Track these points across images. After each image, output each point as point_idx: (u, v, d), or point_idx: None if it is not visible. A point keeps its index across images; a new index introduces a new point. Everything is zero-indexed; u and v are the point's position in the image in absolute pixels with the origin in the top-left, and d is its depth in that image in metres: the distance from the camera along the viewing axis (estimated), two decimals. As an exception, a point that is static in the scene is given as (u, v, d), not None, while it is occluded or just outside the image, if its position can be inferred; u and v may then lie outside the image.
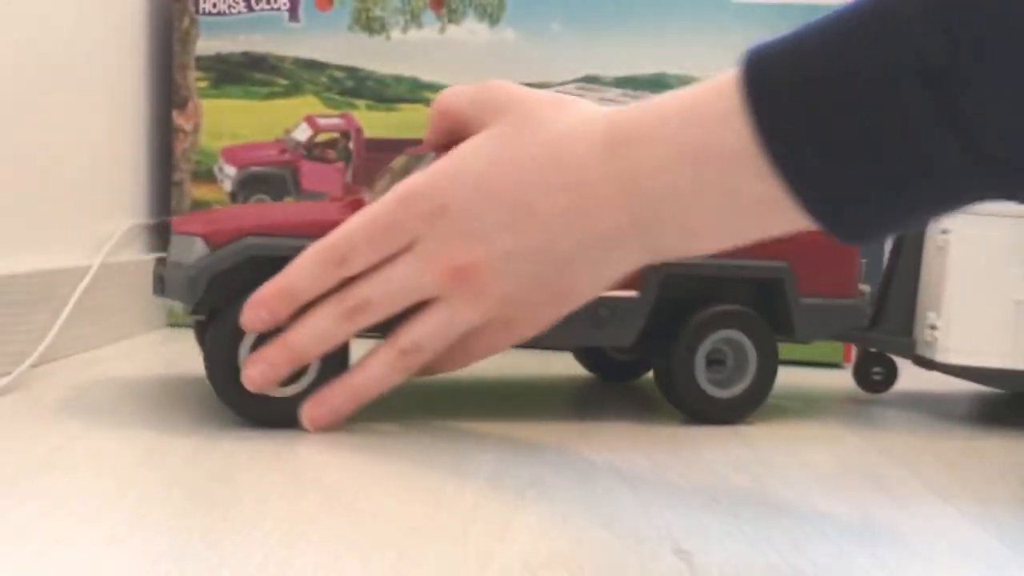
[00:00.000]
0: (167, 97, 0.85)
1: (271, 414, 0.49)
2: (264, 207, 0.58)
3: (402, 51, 0.81)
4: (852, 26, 0.33)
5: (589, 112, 0.43)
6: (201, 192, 0.84)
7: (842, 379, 0.71)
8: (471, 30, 0.80)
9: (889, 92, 0.32)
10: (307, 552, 0.32)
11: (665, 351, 0.54)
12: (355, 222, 0.45)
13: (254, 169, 0.84)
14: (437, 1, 0.80)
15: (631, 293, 0.54)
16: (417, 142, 0.82)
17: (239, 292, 0.46)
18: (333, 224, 0.47)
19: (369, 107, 0.82)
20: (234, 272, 0.47)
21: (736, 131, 0.36)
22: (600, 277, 0.45)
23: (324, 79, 0.82)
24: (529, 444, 0.49)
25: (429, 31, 0.81)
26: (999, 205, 0.56)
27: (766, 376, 0.55)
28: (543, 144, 0.42)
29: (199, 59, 0.83)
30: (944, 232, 0.59)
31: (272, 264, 0.46)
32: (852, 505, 0.41)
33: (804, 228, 0.38)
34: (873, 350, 0.63)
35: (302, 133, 0.83)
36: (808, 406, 0.63)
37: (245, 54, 0.83)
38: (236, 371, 0.47)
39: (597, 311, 0.53)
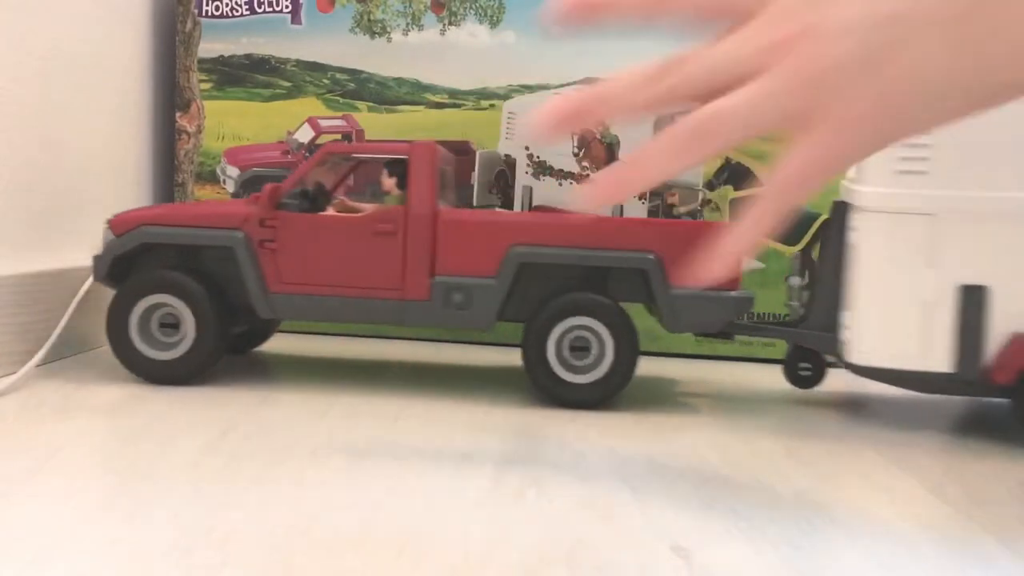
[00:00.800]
0: (170, 99, 0.85)
1: (154, 374, 0.59)
2: (177, 205, 0.62)
3: (403, 53, 0.81)
4: None
5: None
6: (204, 193, 0.85)
7: (847, 378, 0.71)
8: (471, 32, 0.80)
9: None
10: (308, 551, 0.33)
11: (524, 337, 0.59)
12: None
13: (257, 170, 0.84)
14: (438, 4, 0.81)
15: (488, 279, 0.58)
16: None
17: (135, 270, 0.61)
18: (224, 215, 0.59)
19: (370, 109, 0.82)
20: (130, 254, 0.60)
21: None
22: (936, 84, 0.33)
23: (326, 81, 0.83)
24: (529, 444, 0.49)
25: (430, 33, 0.81)
26: (908, 201, 0.54)
27: (624, 364, 0.58)
28: None
29: (202, 61, 0.84)
30: (854, 230, 0.56)
31: (162, 249, 0.61)
32: (851, 504, 0.41)
33: None
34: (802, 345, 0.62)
35: (304, 135, 0.83)
36: (805, 405, 0.63)
37: (248, 56, 0.83)
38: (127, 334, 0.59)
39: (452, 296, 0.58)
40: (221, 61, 0.84)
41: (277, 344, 0.78)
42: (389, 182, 0.60)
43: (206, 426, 0.49)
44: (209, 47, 0.84)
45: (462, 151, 0.81)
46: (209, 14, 0.83)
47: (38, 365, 0.61)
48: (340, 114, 0.83)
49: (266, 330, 0.73)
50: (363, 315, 0.59)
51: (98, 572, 0.30)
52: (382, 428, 0.51)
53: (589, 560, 0.33)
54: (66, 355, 0.67)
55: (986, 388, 0.54)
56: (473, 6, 0.80)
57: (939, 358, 0.54)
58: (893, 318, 0.55)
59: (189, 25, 0.84)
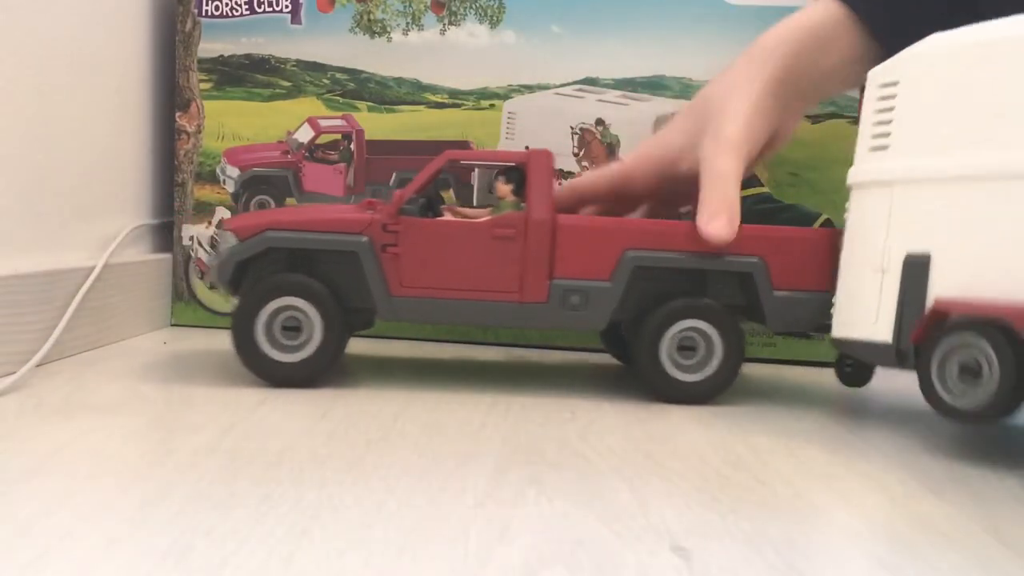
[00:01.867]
0: (170, 99, 0.85)
1: (279, 376, 0.60)
2: (290, 209, 0.65)
3: (403, 53, 0.81)
4: None
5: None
6: (204, 193, 0.84)
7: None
8: (471, 32, 0.80)
9: None
10: (309, 551, 0.33)
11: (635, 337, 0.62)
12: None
13: (257, 170, 0.84)
14: (438, 4, 0.81)
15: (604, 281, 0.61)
16: (418, 143, 0.83)
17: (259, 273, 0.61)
18: (348, 220, 0.60)
19: (370, 109, 0.82)
20: (256, 258, 0.61)
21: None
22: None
23: (326, 81, 0.83)
24: (529, 444, 0.49)
25: (430, 33, 0.81)
26: (874, 175, 0.54)
27: (731, 364, 0.61)
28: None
29: (201, 61, 0.84)
30: (845, 212, 0.58)
31: (286, 253, 0.61)
32: (851, 503, 0.41)
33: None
34: None
35: (304, 135, 0.83)
36: (806, 405, 0.63)
37: (247, 56, 0.83)
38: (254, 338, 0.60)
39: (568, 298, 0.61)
40: (221, 61, 0.84)
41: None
42: (505, 188, 0.62)
43: (206, 426, 0.49)
44: (209, 47, 0.84)
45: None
46: (209, 14, 0.83)
47: (38, 365, 0.61)
48: (340, 114, 0.83)
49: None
50: (483, 317, 0.61)
51: (98, 572, 0.30)
52: (382, 428, 0.51)
53: (589, 560, 0.33)
54: (66, 355, 0.67)
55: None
56: (473, 6, 0.80)
57: (884, 328, 0.53)
58: (857, 289, 0.55)
59: (189, 25, 0.84)
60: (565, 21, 0.79)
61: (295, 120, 0.83)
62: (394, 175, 0.82)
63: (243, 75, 0.84)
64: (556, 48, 0.79)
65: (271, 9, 0.83)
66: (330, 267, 0.61)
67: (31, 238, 0.65)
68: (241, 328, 0.60)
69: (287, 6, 0.82)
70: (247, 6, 0.83)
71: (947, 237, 0.50)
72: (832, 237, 0.61)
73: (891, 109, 0.54)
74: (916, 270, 0.51)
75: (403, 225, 0.60)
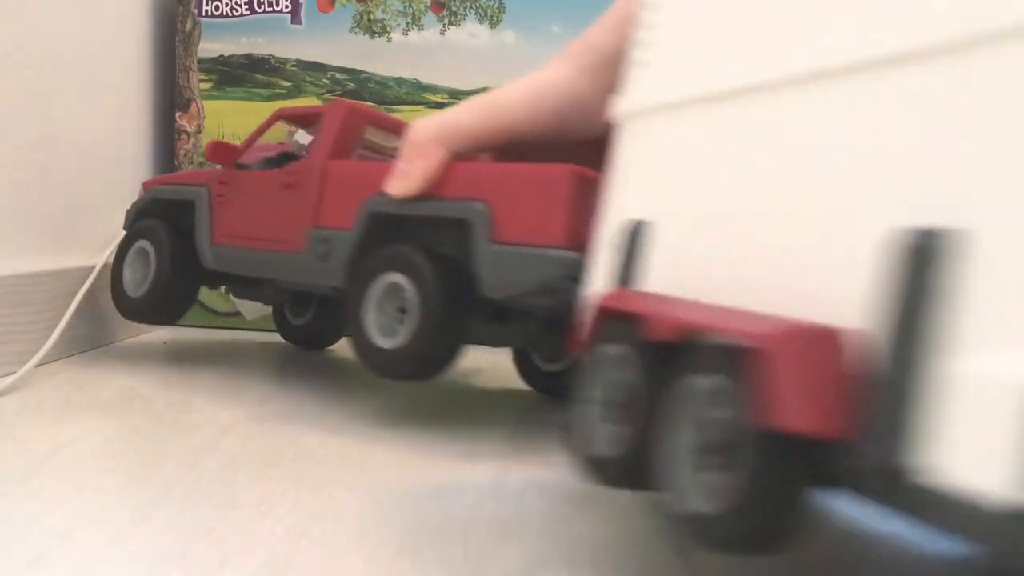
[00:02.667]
0: (170, 99, 0.85)
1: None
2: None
3: (403, 53, 0.81)
4: None
5: None
6: (203, 194, 0.84)
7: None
8: (471, 32, 0.80)
9: None
10: (309, 551, 0.33)
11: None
12: None
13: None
14: (438, 3, 0.81)
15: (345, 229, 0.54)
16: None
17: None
18: (203, 175, 0.64)
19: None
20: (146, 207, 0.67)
21: None
22: None
23: (326, 81, 0.83)
24: (529, 444, 0.49)
25: (430, 33, 0.81)
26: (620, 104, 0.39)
27: (429, 329, 0.48)
28: None
29: (201, 61, 0.84)
30: None
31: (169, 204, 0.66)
32: (849, 501, 0.41)
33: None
34: None
35: (305, 136, 0.83)
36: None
37: (247, 56, 0.83)
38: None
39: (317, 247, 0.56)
40: (221, 61, 0.84)
41: (275, 344, 0.78)
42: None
43: (206, 426, 0.49)
44: (209, 47, 0.84)
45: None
46: (209, 14, 0.83)
47: (38, 365, 0.61)
48: (340, 114, 0.82)
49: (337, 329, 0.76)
50: (274, 270, 0.58)
51: (97, 573, 0.30)
52: (381, 428, 0.51)
53: (589, 560, 0.33)
54: (66, 355, 0.66)
55: None
56: (473, 6, 0.80)
57: None
58: (600, 261, 0.39)
59: (189, 25, 0.83)
60: (565, 21, 0.79)
61: (295, 120, 0.83)
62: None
63: (243, 75, 0.84)
64: (556, 48, 0.79)
65: (271, 9, 0.83)
66: (190, 217, 0.65)
67: (31, 238, 0.65)
68: (114, 267, 0.67)
69: (287, 6, 0.82)
70: (247, 6, 0.83)
71: (672, 198, 0.34)
72: (574, 176, 0.45)
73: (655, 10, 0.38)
74: (633, 245, 0.35)
75: (230, 177, 0.62)
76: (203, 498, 0.38)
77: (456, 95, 0.81)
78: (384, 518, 0.36)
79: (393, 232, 0.53)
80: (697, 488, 0.26)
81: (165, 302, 0.65)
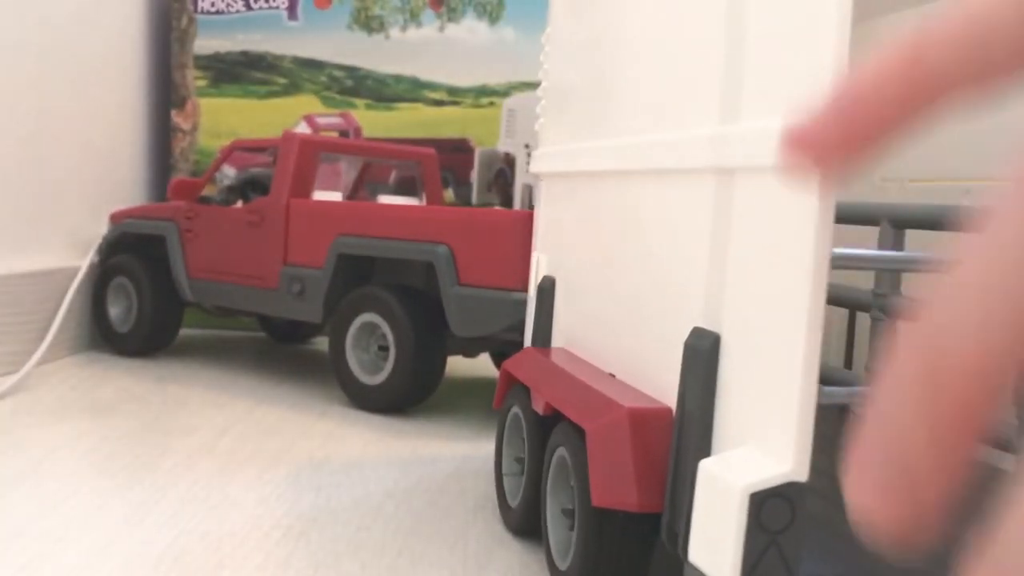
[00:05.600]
0: (166, 96, 0.85)
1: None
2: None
3: (401, 50, 0.81)
4: None
5: None
6: (200, 192, 0.84)
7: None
8: (470, 29, 0.80)
9: None
10: (307, 552, 0.32)
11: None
12: None
13: (254, 170, 0.83)
14: (436, 0, 0.80)
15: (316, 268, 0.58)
16: (417, 141, 0.82)
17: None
18: (168, 209, 0.66)
19: (368, 106, 0.82)
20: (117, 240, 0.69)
21: None
22: None
23: (323, 78, 0.82)
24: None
25: (428, 30, 0.80)
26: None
27: (404, 367, 0.52)
28: None
29: (197, 58, 0.83)
30: None
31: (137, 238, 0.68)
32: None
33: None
34: None
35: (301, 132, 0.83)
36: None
37: (244, 53, 0.83)
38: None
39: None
40: (217, 58, 0.83)
41: (272, 345, 0.78)
42: None
43: (203, 427, 0.49)
44: (204, 44, 0.83)
45: (461, 149, 0.80)
46: (204, 10, 0.83)
47: (36, 366, 0.60)
48: (338, 111, 0.82)
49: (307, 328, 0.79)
50: (244, 303, 0.62)
51: (95, 574, 0.30)
52: (380, 430, 0.51)
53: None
54: (62, 356, 0.66)
55: None
56: (472, 2, 0.79)
57: None
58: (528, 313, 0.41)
59: (184, 22, 0.83)
60: (564, 18, 0.79)
61: (292, 118, 0.83)
62: (393, 173, 0.82)
63: (239, 72, 0.83)
64: (555, 45, 0.79)
65: (268, 5, 0.82)
66: (161, 250, 0.67)
67: (26, 237, 0.64)
68: (95, 305, 0.68)
69: (284, 2, 0.82)
70: (243, 2, 0.82)
71: (569, 256, 0.36)
72: (527, 221, 0.48)
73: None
74: (544, 300, 0.37)
75: (195, 212, 0.65)
76: (199, 500, 0.37)
77: (455, 93, 0.80)
78: (383, 519, 0.36)
79: (364, 270, 0.58)
80: (563, 546, 0.30)
81: (153, 334, 0.67)
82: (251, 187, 0.66)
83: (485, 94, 0.80)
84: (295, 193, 0.59)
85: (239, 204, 0.64)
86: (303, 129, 0.82)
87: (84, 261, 0.70)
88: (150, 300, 0.66)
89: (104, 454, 0.43)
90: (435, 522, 0.36)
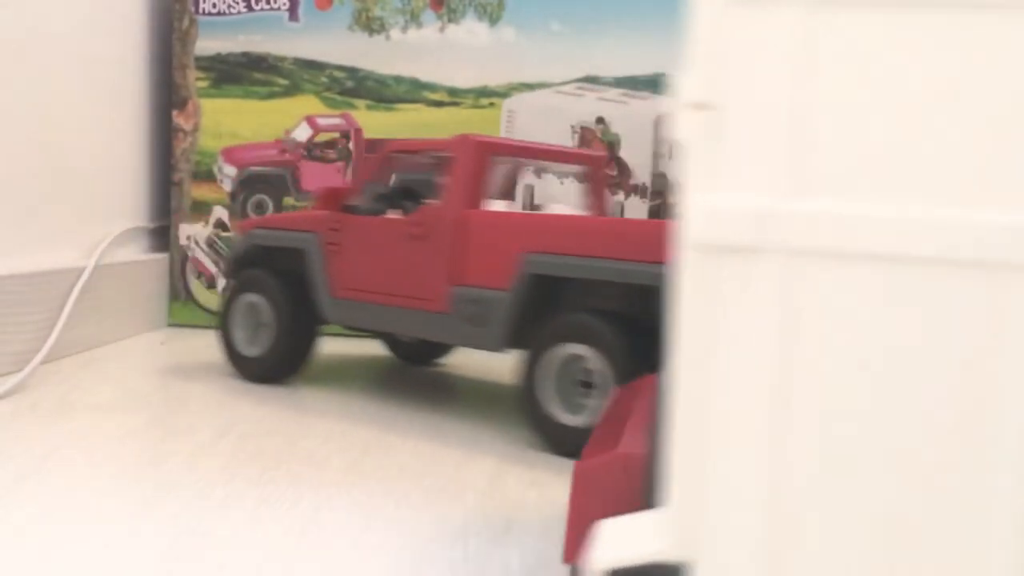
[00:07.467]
0: (167, 97, 0.85)
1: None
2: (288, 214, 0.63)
3: (402, 51, 0.81)
4: None
5: None
6: (201, 192, 0.84)
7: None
8: (471, 30, 0.80)
9: None
10: (307, 552, 0.32)
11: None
12: None
13: (254, 169, 0.83)
14: (437, 1, 0.80)
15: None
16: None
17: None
18: (308, 219, 0.59)
19: (369, 107, 0.82)
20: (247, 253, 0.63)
21: None
22: None
23: (324, 79, 0.82)
24: (529, 445, 0.49)
25: (429, 31, 0.81)
26: None
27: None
28: None
29: (199, 59, 0.83)
30: None
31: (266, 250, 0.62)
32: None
33: None
34: None
35: (302, 133, 0.83)
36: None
37: (245, 54, 0.83)
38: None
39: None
40: (218, 59, 0.83)
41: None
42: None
43: (203, 428, 0.49)
44: (206, 45, 0.83)
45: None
46: (206, 11, 0.83)
47: (38, 365, 0.61)
48: (338, 112, 0.82)
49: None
50: (401, 326, 0.55)
51: (95, 573, 0.30)
52: (380, 430, 0.51)
53: (592, 563, 0.33)
54: (63, 355, 0.66)
55: None
56: (472, 3, 0.80)
57: None
58: None
59: (186, 22, 0.83)
60: (565, 19, 0.79)
61: (293, 118, 0.83)
62: (392, 174, 0.82)
63: (240, 73, 0.83)
64: (556, 46, 0.79)
65: (269, 6, 0.82)
66: (296, 264, 0.60)
67: (28, 238, 0.65)
68: (222, 324, 0.63)
69: (285, 3, 0.82)
70: (244, 3, 0.82)
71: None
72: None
73: None
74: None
75: (342, 223, 0.57)
76: (201, 499, 0.37)
77: (455, 93, 0.80)
78: (383, 519, 0.36)
79: (558, 294, 0.49)
80: None
81: (286, 359, 0.60)
82: (406, 195, 0.57)
83: (485, 95, 0.80)
84: (469, 203, 0.51)
85: (390, 214, 0.56)
86: (304, 130, 0.83)
87: (88, 261, 0.70)
88: (286, 323, 0.59)
89: (105, 454, 0.43)
90: (435, 522, 0.36)
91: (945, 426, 0.18)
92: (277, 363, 0.60)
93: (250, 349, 0.61)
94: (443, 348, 0.71)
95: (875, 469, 0.18)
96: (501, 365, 0.72)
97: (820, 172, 0.19)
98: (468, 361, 0.74)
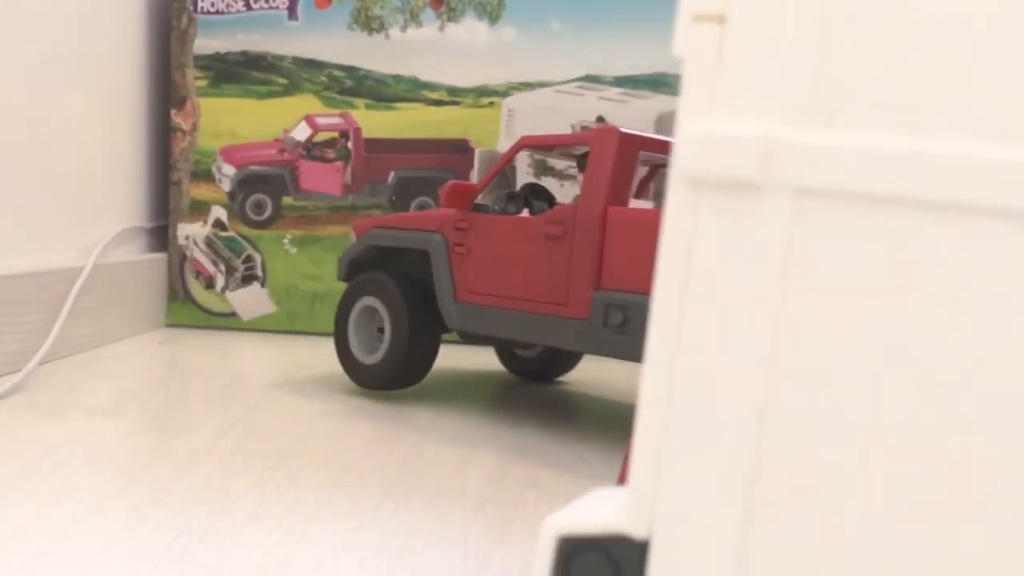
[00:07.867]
0: (165, 96, 0.85)
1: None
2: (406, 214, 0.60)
3: (401, 50, 0.81)
4: None
5: None
6: (200, 192, 0.84)
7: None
8: (471, 29, 0.80)
9: None
10: (307, 552, 0.32)
11: None
12: None
13: (253, 169, 0.83)
14: (436, 0, 0.80)
15: None
16: (416, 141, 0.82)
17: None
18: (433, 219, 0.56)
19: (368, 106, 0.82)
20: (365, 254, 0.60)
21: None
22: None
23: (323, 78, 0.82)
24: (529, 445, 0.49)
25: (428, 30, 0.80)
26: None
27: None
28: None
29: (197, 58, 0.83)
30: None
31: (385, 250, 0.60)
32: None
33: None
34: None
35: (301, 132, 0.82)
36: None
37: (244, 53, 0.83)
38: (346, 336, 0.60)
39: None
40: (217, 58, 0.83)
41: (272, 344, 0.78)
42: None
43: (202, 427, 0.49)
44: (204, 43, 0.83)
45: (460, 149, 0.80)
46: (204, 10, 0.83)
47: (37, 365, 0.60)
48: (338, 111, 0.82)
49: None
50: (533, 333, 0.51)
51: (95, 573, 0.29)
52: (380, 430, 0.50)
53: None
54: (61, 356, 0.66)
55: None
56: (472, 2, 0.79)
57: None
58: None
59: (184, 21, 0.83)
60: (566, 18, 0.79)
61: (292, 117, 0.83)
62: (392, 173, 0.82)
63: (239, 72, 0.83)
64: (556, 45, 0.79)
65: (268, 5, 0.82)
66: (417, 266, 0.58)
67: (26, 238, 0.64)
68: (337, 329, 0.61)
69: (284, 2, 0.82)
70: (243, 2, 0.82)
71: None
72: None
73: None
74: None
75: (470, 222, 0.54)
76: (200, 500, 0.37)
77: (455, 93, 0.80)
78: (383, 520, 0.36)
79: None
80: None
81: (407, 368, 0.57)
82: (535, 194, 0.55)
83: (485, 94, 0.80)
84: (612, 200, 0.48)
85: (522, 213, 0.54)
86: (303, 129, 0.82)
87: (86, 261, 0.70)
88: (407, 329, 0.56)
89: (104, 454, 0.43)
90: (435, 522, 0.36)
91: (956, 399, 0.15)
92: (396, 371, 0.56)
93: (368, 356, 0.58)
94: (568, 363, 0.67)
95: (868, 445, 0.15)
96: (618, 377, 0.71)
97: (840, 98, 0.15)
98: (587, 378, 0.73)
